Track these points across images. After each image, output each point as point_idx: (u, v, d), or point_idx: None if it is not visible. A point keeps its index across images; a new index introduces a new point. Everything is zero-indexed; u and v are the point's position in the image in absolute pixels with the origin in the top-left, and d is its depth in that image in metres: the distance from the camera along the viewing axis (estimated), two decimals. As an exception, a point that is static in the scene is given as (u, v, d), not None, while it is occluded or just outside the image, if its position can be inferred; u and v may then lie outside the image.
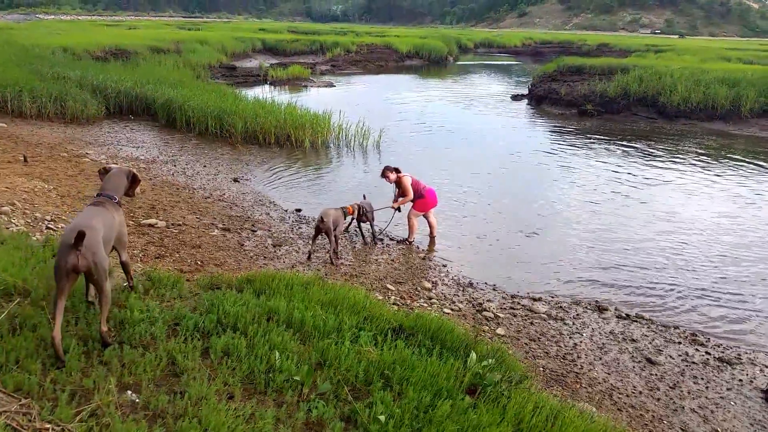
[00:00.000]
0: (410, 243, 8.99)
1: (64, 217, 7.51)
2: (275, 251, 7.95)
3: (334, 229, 7.85)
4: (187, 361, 3.54)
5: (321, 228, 7.70)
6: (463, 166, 14.18)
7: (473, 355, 4.04)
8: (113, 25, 60.85)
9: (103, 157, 12.11)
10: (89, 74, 18.23)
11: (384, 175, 9.10)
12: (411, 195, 8.96)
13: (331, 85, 30.01)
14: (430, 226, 9.32)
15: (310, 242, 8.06)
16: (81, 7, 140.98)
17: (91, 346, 3.59)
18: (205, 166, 12.47)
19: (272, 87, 28.70)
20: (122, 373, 3.39)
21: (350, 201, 8.89)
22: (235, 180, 11.61)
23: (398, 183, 9.08)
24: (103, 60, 26.00)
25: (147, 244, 7.31)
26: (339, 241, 8.13)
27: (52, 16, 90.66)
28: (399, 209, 9.24)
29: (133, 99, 17.57)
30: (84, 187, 9.47)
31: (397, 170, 9.09)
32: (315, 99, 24.04)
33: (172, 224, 8.33)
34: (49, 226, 6.94)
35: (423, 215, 9.16)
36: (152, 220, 8.27)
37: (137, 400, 3.18)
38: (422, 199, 9.04)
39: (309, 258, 7.79)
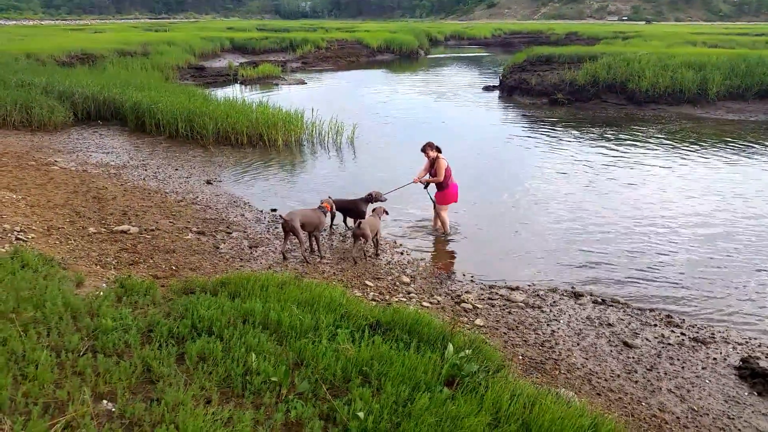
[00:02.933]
0: (447, 235, 9.18)
1: (34, 227, 7.37)
2: (251, 252, 7.90)
3: (314, 229, 7.87)
4: (163, 368, 3.50)
5: (285, 227, 7.68)
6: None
7: (450, 347, 4.06)
8: (78, 29, 59.59)
9: (73, 164, 11.91)
10: (55, 80, 17.87)
11: (424, 150, 9.21)
12: (440, 178, 9.10)
13: (303, 83, 29.84)
14: (442, 222, 9.39)
15: (284, 242, 7.99)
16: (44, 12, 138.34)
17: (64, 357, 3.53)
18: (176, 170, 12.33)
19: (243, 86, 28.44)
20: (97, 383, 3.34)
21: (327, 198, 8.85)
22: (208, 182, 11.49)
23: (434, 162, 9.16)
24: (68, 65, 25.54)
25: (120, 251, 7.21)
26: (319, 240, 8.13)
27: (14, 22, 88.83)
28: (426, 185, 9.43)
29: (101, 104, 17.27)
30: (54, 196, 9.31)
31: (438, 150, 9.17)
32: (287, 97, 23.89)
33: (145, 230, 8.22)
34: (19, 236, 6.81)
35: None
36: (125, 227, 8.15)
37: (113, 409, 3.15)
38: (444, 191, 9.21)
39: (284, 258, 7.74)
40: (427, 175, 9.30)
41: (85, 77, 19.57)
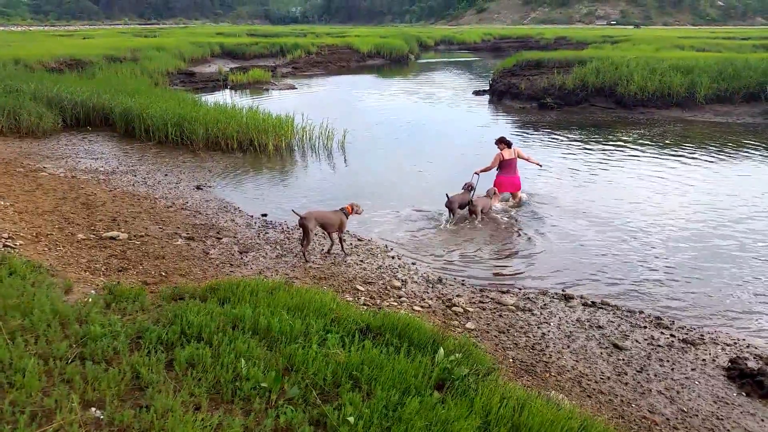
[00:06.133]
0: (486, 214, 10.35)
1: (22, 234, 7.32)
2: (242, 258, 7.88)
3: (335, 230, 8.20)
4: (152, 374, 3.49)
5: (300, 224, 7.95)
6: (427, 161, 14.26)
7: (441, 351, 4.07)
8: (67, 35, 59.37)
9: (62, 171, 11.85)
10: (44, 86, 17.77)
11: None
12: (488, 166, 10.85)
13: (293, 88, 29.83)
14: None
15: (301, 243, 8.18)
16: (32, 18, 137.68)
17: (52, 364, 3.51)
18: (166, 175, 12.29)
19: (233, 91, 28.41)
20: (85, 390, 3.32)
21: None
22: (198, 187, 11.46)
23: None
24: (57, 71, 25.39)
25: (109, 257, 7.17)
26: (342, 240, 8.42)
27: (2, 28, 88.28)
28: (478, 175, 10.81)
29: (90, 110, 17.20)
30: (42, 202, 9.25)
31: (508, 144, 10.83)
32: (277, 102, 23.89)
33: (135, 236, 8.18)
34: (7, 244, 6.76)
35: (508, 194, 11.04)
36: (114, 233, 8.11)
37: (101, 417, 3.13)
38: (497, 178, 10.82)
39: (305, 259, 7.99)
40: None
41: (74, 83, 19.48)
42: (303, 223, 7.90)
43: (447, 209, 9.89)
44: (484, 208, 10.06)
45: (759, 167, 13.92)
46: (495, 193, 10.50)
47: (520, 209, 10.69)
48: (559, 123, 20.12)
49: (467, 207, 10.04)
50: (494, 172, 10.96)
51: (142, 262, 7.18)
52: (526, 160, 11.20)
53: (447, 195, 9.80)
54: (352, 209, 8.42)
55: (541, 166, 11.80)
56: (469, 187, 10.27)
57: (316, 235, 8.72)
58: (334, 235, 8.33)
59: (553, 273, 7.99)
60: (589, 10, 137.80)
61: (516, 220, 10.11)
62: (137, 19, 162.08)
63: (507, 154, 10.76)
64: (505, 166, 10.78)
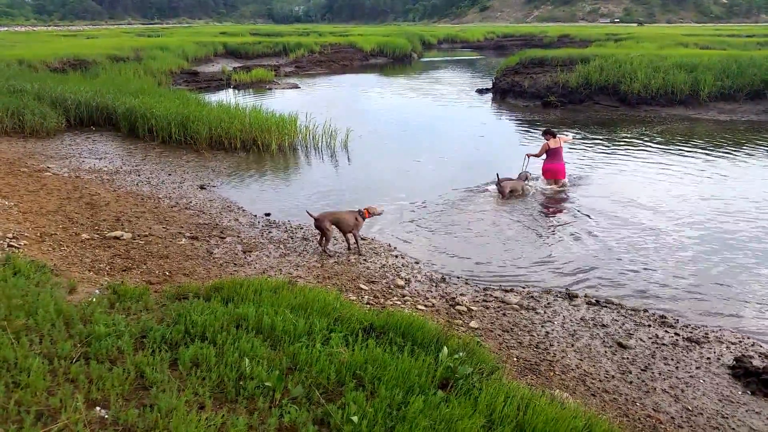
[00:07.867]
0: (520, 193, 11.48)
1: (26, 234, 7.33)
2: (245, 257, 7.89)
3: (350, 230, 8.34)
4: (156, 374, 3.49)
5: (316, 226, 8.18)
6: (430, 159, 14.25)
7: (444, 350, 4.06)
8: (70, 35, 59.52)
9: (65, 171, 11.87)
10: (47, 86, 17.80)
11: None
12: (536, 153, 12.07)
13: (296, 87, 29.84)
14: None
15: (320, 240, 8.38)
16: (36, 18, 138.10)
17: (57, 364, 3.52)
18: (170, 175, 12.30)
19: (236, 91, 28.42)
20: (90, 390, 3.33)
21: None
22: (202, 187, 11.47)
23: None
24: (61, 71, 25.47)
25: (113, 257, 7.19)
26: (358, 239, 8.51)
27: (6, 28, 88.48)
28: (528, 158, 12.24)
29: (94, 110, 17.20)
30: (46, 202, 9.27)
31: (553, 135, 11.96)
32: (280, 101, 23.90)
33: (138, 235, 8.20)
34: (11, 243, 6.77)
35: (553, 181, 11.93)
36: (118, 233, 8.13)
37: (106, 416, 3.14)
38: (543, 165, 12.00)
39: (329, 256, 8.19)
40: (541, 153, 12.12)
41: (78, 83, 19.52)
42: (318, 225, 8.12)
43: (497, 188, 11.22)
44: (512, 188, 11.17)
45: (765, 166, 13.87)
46: (527, 178, 11.70)
47: (527, 207, 10.72)
48: (563, 121, 20.09)
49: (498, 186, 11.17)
50: (543, 158, 12.06)
51: (146, 261, 7.20)
52: (568, 141, 12.57)
53: (497, 175, 11.23)
54: (369, 213, 8.56)
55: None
56: (524, 176, 11.63)
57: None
58: (349, 235, 8.45)
59: (557, 271, 7.97)
60: (592, 7, 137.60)
61: (522, 217, 10.11)
62: (141, 19, 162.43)
63: (553, 143, 11.85)
64: (551, 154, 11.88)
